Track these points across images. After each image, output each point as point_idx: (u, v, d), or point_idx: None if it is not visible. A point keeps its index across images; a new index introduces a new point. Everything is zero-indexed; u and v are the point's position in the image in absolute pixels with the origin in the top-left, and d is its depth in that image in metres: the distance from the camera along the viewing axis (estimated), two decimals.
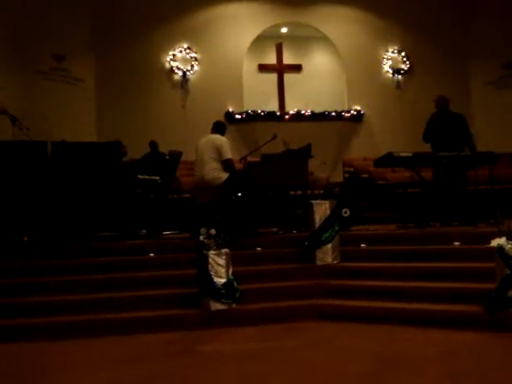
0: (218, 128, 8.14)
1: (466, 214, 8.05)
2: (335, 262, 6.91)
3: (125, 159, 9.60)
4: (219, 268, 6.02)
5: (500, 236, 5.89)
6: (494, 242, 5.98)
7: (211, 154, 7.73)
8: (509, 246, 5.40)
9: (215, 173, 7.68)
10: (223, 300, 5.99)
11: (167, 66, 14.19)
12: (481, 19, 15.24)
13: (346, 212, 8.08)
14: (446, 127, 8.41)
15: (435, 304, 5.77)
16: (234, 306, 6.07)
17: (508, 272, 5.31)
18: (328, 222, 6.92)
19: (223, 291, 5.99)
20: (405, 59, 15.42)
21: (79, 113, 12.90)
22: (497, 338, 5.06)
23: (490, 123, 14.44)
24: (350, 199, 8.50)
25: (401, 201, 9.64)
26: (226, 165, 7.75)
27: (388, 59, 15.39)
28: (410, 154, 7.81)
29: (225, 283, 6.01)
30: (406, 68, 15.43)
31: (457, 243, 6.76)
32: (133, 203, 8.39)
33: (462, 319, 5.46)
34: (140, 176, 8.66)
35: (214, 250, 6.06)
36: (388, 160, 7.92)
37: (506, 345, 4.85)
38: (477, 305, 5.49)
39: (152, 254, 7.26)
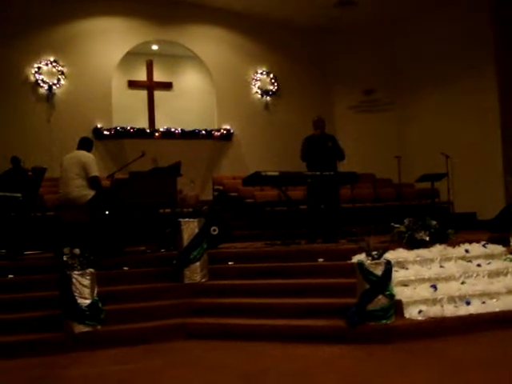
0: (85, 144, 7.91)
1: (329, 231, 8.35)
2: (203, 280, 6.91)
3: None
4: (83, 289, 5.84)
5: (360, 252, 6.20)
6: (355, 258, 6.29)
7: (77, 170, 7.49)
8: (368, 261, 5.68)
9: (81, 190, 7.45)
10: (87, 322, 5.80)
11: (32, 78, 13.58)
12: (345, 47, 16.01)
13: (214, 230, 8.13)
14: (323, 148, 8.68)
15: (301, 319, 5.94)
16: (98, 327, 5.90)
17: (367, 287, 5.57)
18: (196, 240, 6.92)
19: (87, 313, 5.80)
20: (273, 81, 15.82)
21: None
22: (357, 350, 5.27)
23: (350, 145, 15.10)
24: (219, 217, 8.55)
25: (268, 219, 9.87)
26: (93, 182, 7.54)
27: (257, 80, 15.72)
28: (276, 173, 7.99)
29: (89, 304, 5.83)
30: (274, 90, 15.84)
31: (321, 260, 7.00)
32: None
33: (325, 334, 5.66)
34: (0, 193, 8.22)
35: (78, 270, 5.88)
36: (256, 179, 8.06)
37: (365, 357, 5.06)
38: (339, 319, 5.71)
39: (11, 276, 6.90)
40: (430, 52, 14.73)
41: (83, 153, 7.74)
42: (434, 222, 7.04)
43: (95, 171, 7.58)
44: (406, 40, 15.27)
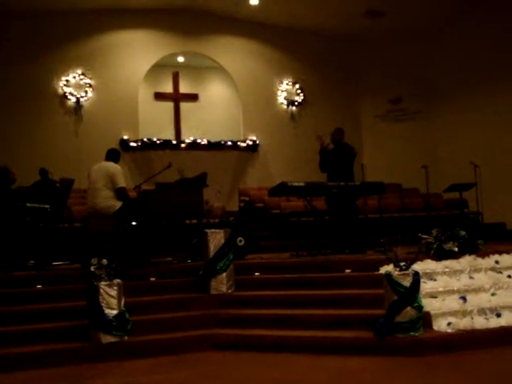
0: (112, 155, 7.98)
1: (356, 241, 8.28)
2: (230, 291, 6.89)
3: (13, 187, 9.20)
4: (110, 299, 5.85)
5: (388, 263, 6.12)
6: (383, 269, 6.21)
7: (104, 181, 7.55)
8: (396, 272, 5.61)
9: (108, 201, 7.50)
10: (114, 332, 5.81)
11: (60, 91, 13.80)
12: (371, 56, 15.98)
13: (240, 241, 8.12)
14: (340, 158, 8.65)
15: (328, 331, 5.88)
16: (125, 338, 5.91)
17: (395, 298, 5.50)
18: (223, 251, 6.91)
19: (114, 323, 5.82)
20: (299, 91, 15.82)
21: None
22: (385, 362, 5.20)
23: (377, 155, 15.10)
24: (245, 228, 8.54)
25: (294, 229, 9.82)
26: (120, 193, 7.60)
27: (283, 91, 15.74)
28: (302, 184, 7.97)
29: (116, 315, 5.85)
30: (299, 100, 15.83)
31: (348, 270, 6.94)
32: (21, 232, 8.04)
33: (353, 345, 5.59)
34: (29, 204, 8.31)
35: (106, 280, 5.90)
36: (282, 189, 8.04)
37: (393, 369, 4.99)
38: (367, 330, 5.64)
39: (40, 286, 6.96)
40: (458, 61, 14.63)
41: (111, 164, 7.80)
42: (463, 233, 6.92)
43: (122, 182, 7.64)
44: (434, 49, 15.17)
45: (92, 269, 5.97)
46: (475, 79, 14.24)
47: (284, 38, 15.59)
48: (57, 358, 5.69)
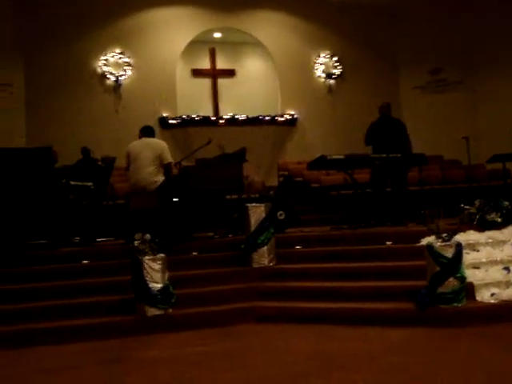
0: (151, 132, 8.01)
1: (397, 214, 8.22)
2: (271, 264, 6.95)
3: (57, 165, 9.39)
4: (155, 273, 5.97)
5: (430, 235, 6.09)
6: (425, 241, 6.18)
7: (152, 157, 7.59)
8: (438, 244, 5.58)
9: (153, 177, 7.56)
10: (159, 305, 5.93)
11: (99, 70, 13.95)
12: (410, 26, 15.67)
13: (281, 215, 8.15)
14: (386, 132, 8.55)
15: (369, 302, 5.90)
16: (170, 311, 6.03)
17: (438, 269, 5.48)
18: (263, 225, 6.95)
19: (159, 296, 5.93)
20: (337, 64, 15.66)
21: (8, 118, 12.56)
22: (427, 333, 5.21)
23: (417, 127, 14.82)
24: (285, 202, 8.56)
25: (334, 203, 9.82)
26: (168, 168, 7.71)
27: (320, 64, 15.60)
28: (342, 157, 7.91)
29: (161, 288, 5.96)
30: (338, 73, 15.67)
31: (389, 243, 6.92)
32: (65, 210, 8.22)
33: (394, 316, 5.61)
34: (72, 182, 8.48)
35: (149, 255, 6.00)
36: (321, 163, 8.01)
37: (435, 339, 4.99)
38: (409, 302, 5.64)
39: (86, 261, 7.13)
40: (499, 29, 14.27)
41: (156, 140, 7.93)
42: (507, 203, 6.82)
43: (171, 158, 7.75)
44: (475, 16, 14.79)
45: (136, 244, 6.09)
46: None
47: (321, 11, 15.36)
48: (103, 331, 5.85)
